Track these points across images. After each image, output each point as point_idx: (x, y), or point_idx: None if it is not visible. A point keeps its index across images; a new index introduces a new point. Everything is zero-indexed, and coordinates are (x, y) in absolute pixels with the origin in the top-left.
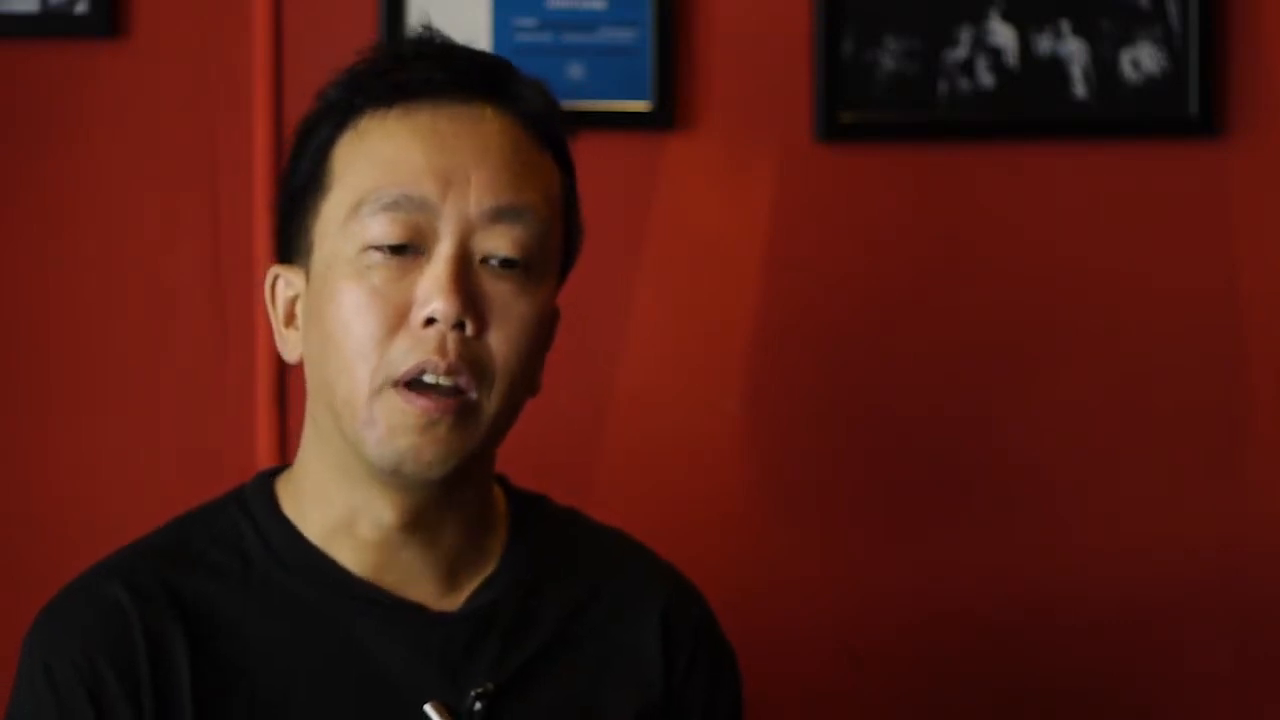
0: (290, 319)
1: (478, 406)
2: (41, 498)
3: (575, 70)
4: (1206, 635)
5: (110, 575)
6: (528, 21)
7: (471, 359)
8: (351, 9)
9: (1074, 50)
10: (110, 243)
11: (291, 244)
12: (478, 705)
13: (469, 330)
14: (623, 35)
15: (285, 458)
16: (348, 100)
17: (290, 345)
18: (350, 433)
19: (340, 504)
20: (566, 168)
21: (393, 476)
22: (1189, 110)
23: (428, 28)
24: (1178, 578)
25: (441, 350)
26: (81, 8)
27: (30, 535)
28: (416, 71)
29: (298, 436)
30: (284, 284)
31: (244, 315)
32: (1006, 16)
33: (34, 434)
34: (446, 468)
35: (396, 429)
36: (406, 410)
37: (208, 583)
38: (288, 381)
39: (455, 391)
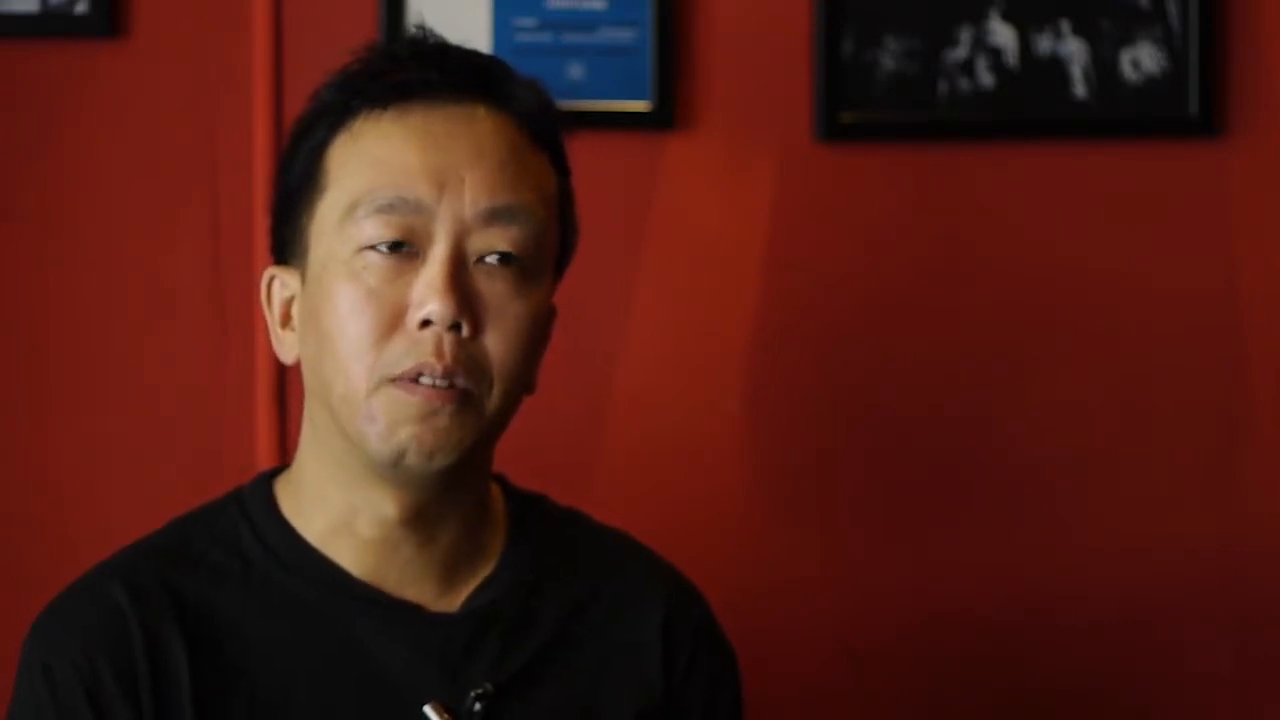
0: (286, 320)
1: (478, 400)
2: (41, 498)
3: (575, 70)
4: (1206, 635)
5: (111, 576)
6: (528, 21)
7: (468, 360)
8: (351, 9)
9: (1074, 50)
10: (110, 243)
11: (287, 245)
12: (477, 706)
13: (465, 331)
14: (623, 35)
15: (285, 458)
16: (342, 101)
17: (287, 346)
18: (351, 430)
19: (339, 502)
20: (561, 167)
21: (394, 471)
22: (1189, 110)
23: (421, 28)
24: (1178, 578)
25: (439, 353)
26: (81, 8)
27: (30, 535)
28: (410, 72)
29: (298, 436)
30: (280, 285)
31: (244, 315)
32: (1006, 16)
33: (34, 434)
34: (448, 458)
35: (398, 420)
36: (408, 401)
37: (208, 583)
38: (288, 381)
39: (454, 387)
